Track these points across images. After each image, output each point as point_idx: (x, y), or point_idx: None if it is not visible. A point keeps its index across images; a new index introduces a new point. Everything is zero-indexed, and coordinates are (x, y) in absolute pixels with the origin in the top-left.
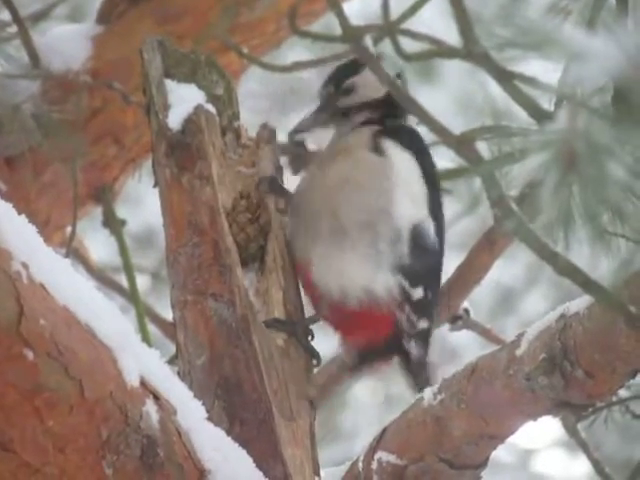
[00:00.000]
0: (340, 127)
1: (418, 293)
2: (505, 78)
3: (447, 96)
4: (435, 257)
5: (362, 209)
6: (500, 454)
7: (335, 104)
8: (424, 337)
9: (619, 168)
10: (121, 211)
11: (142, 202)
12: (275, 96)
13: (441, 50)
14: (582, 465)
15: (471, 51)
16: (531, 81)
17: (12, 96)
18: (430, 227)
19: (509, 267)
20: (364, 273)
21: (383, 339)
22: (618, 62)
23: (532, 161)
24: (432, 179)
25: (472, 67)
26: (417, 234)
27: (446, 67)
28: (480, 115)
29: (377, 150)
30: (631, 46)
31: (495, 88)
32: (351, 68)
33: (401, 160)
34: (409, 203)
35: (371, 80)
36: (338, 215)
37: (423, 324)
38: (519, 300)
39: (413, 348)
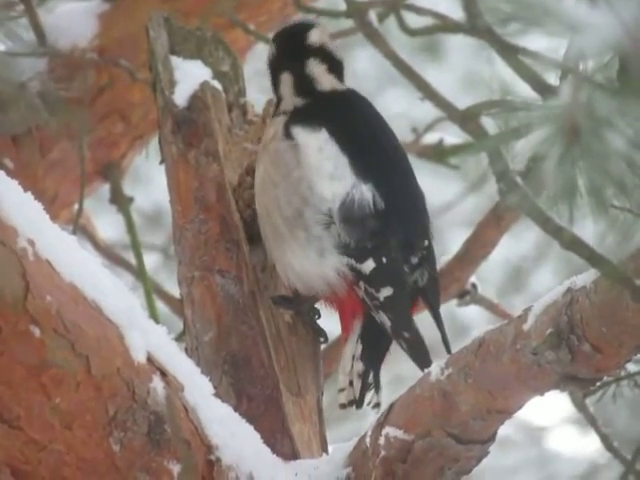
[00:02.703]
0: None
1: (368, 266)
2: (509, 52)
3: (453, 73)
4: (383, 216)
5: (285, 203)
6: (511, 432)
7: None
8: (392, 304)
9: (621, 140)
10: (130, 189)
11: (151, 180)
12: None
13: (445, 25)
14: (593, 442)
15: (474, 26)
16: (534, 55)
17: (19, 74)
18: (363, 191)
19: (518, 244)
20: (310, 263)
21: (367, 320)
22: (618, 35)
23: (536, 135)
24: (369, 142)
25: (478, 44)
26: (348, 207)
27: (452, 44)
28: (486, 92)
29: (289, 138)
30: (631, 19)
31: (500, 65)
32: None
33: (309, 142)
34: (329, 181)
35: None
36: (270, 214)
37: (386, 292)
38: (528, 277)
39: (384, 319)
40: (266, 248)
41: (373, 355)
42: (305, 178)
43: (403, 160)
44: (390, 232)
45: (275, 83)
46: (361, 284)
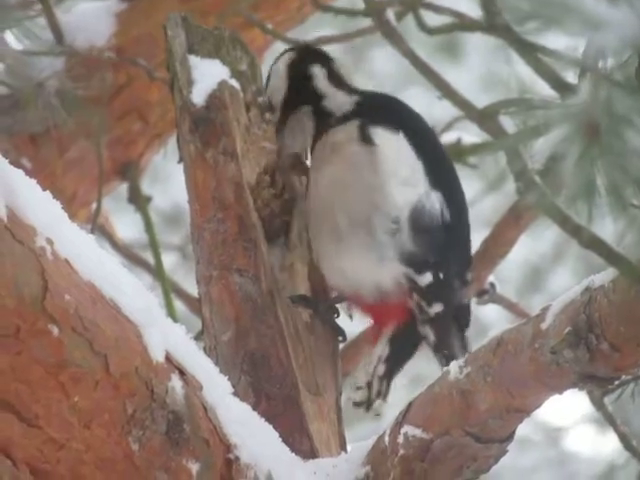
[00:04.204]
0: (298, 133)
1: (426, 279)
2: (527, 50)
3: (472, 73)
4: (447, 230)
5: (354, 207)
6: (529, 432)
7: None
8: (440, 321)
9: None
10: (148, 188)
11: (169, 179)
12: None
13: (463, 23)
14: (611, 441)
15: (493, 24)
16: (553, 53)
17: (36, 73)
18: (433, 200)
19: (536, 243)
20: (367, 268)
21: (403, 326)
22: (637, 32)
23: (554, 134)
24: (432, 149)
25: (497, 43)
26: (417, 216)
27: (471, 43)
28: (505, 91)
29: (366, 141)
30: None
31: (519, 64)
32: (265, 81)
33: (389, 145)
34: (402, 187)
35: (274, 80)
36: (333, 214)
37: (437, 308)
38: (546, 276)
39: (429, 334)
40: (314, 245)
41: (394, 363)
42: (380, 183)
43: (454, 168)
44: (452, 246)
45: (297, 85)
46: (415, 296)
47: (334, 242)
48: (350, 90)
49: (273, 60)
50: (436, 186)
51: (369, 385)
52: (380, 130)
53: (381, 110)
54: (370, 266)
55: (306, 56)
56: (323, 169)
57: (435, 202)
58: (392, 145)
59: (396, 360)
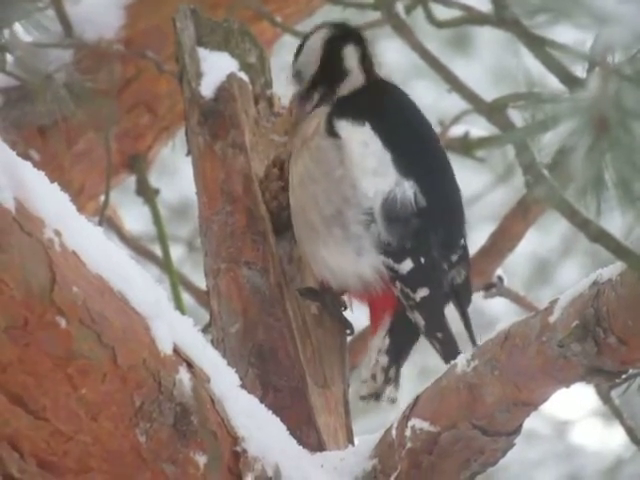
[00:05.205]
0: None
1: (406, 266)
2: (536, 44)
3: (483, 66)
4: (424, 215)
5: (324, 201)
6: (537, 425)
7: (298, 95)
8: (427, 305)
9: None
10: (156, 181)
11: (177, 172)
12: None
13: (472, 17)
14: (618, 435)
15: (502, 17)
16: (562, 47)
17: (45, 65)
18: (405, 188)
19: (544, 237)
20: (347, 261)
21: (398, 314)
22: None
23: (563, 128)
24: (410, 138)
25: (507, 36)
26: (390, 206)
27: (482, 37)
28: (514, 84)
29: (331, 134)
30: None
31: (528, 57)
32: (296, 52)
33: (354, 138)
34: (372, 178)
35: (308, 53)
36: (306, 211)
37: (422, 293)
38: (554, 269)
39: (418, 319)
40: (298, 243)
41: (399, 351)
42: (348, 176)
43: (441, 154)
44: (431, 230)
45: (329, 63)
46: (397, 284)
47: (312, 238)
48: (369, 76)
49: (309, 31)
50: (408, 174)
51: (373, 377)
52: (344, 122)
53: (358, 100)
54: (349, 259)
55: (343, 35)
56: (297, 163)
57: (407, 189)
58: (357, 137)
59: (399, 349)
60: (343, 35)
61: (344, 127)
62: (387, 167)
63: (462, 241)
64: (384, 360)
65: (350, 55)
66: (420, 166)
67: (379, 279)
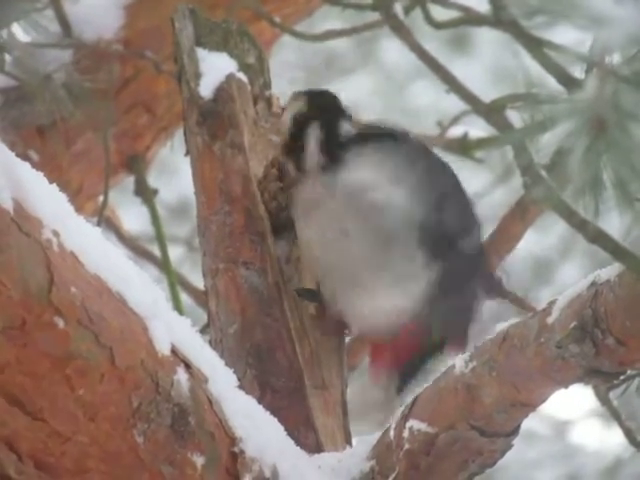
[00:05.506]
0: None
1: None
2: (534, 45)
3: (483, 67)
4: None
5: (361, 247)
6: (536, 425)
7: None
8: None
9: None
10: (155, 181)
11: (176, 172)
12: (310, 67)
13: (470, 17)
14: (617, 435)
15: (499, 18)
16: (560, 48)
17: (44, 66)
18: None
19: (543, 237)
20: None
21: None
22: None
23: (561, 129)
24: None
25: (507, 37)
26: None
27: (482, 37)
28: (514, 85)
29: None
30: None
31: (528, 58)
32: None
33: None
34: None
35: (282, 124)
36: (342, 269)
37: None
38: (553, 270)
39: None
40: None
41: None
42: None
43: (445, 169)
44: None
45: (294, 140)
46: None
47: (357, 291)
48: (331, 157)
49: (290, 98)
50: (430, 201)
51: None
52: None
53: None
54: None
55: (311, 112)
56: (309, 227)
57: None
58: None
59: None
60: (311, 112)
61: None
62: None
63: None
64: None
65: (311, 135)
66: (439, 191)
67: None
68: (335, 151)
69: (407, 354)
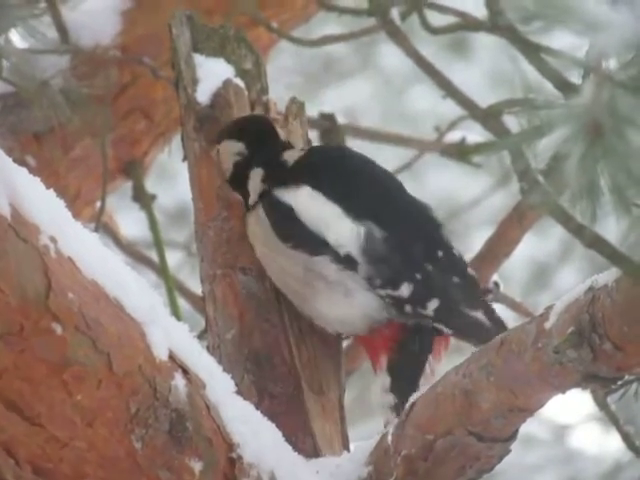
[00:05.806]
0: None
1: (406, 288)
2: (531, 50)
3: (481, 72)
4: (391, 244)
5: (291, 266)
6: (535, 430)
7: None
8: (444, 313)
9: None
10: (153, 187)
11: (174, 178)
12: (308, 72)
13: (467, 23)
14: (616, 440)
15: (496, 24)
16: (557, 53)
17: (41, 72)
18: (370, 227)
19: (541, 242)
20: (341, 306)
21: (389, 351)
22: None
23: (558, 134)
24: (341, 182)
25: (503, 42)
26: (369, 244)
27: (480, 43)
28: (511, 90)
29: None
30: None
31: (525, 64)
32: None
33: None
34: (337, 227)
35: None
36: (285, 286)
37: (433, 305)
38: (551, 275)
39: (442, 328)
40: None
41: (404, 386)
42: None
43: (386, 184)
44: (411, 248)
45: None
46: (407, 307)
47: (304, 301)
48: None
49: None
50: (362, 216)
51: (384, 417)
52: (282, 190)
53: (285, 179)
54: (342, 303)
55: (251, 155)
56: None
57: (372, 228)
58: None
59: (403, 386)
60: (251, 154)
61: (284, 194)
62: (341, 216)
63: (440, 253)
64: (389, 399)
65: (253, 179)
66: (371, 206)
67: (384, 311)
68: (275, 184)
69: (392, 340)
